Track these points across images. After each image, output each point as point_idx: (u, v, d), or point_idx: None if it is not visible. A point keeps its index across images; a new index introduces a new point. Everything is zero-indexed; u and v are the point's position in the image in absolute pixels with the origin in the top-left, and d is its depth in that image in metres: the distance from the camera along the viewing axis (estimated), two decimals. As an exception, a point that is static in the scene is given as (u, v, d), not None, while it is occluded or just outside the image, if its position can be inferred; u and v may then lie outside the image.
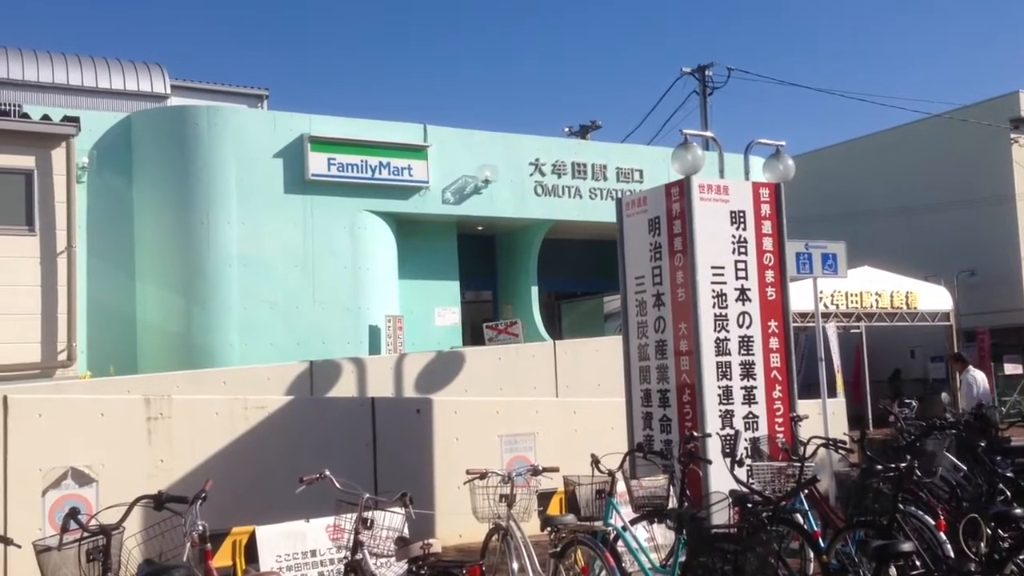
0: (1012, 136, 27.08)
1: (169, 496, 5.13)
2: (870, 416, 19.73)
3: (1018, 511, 5.58)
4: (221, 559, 6.18)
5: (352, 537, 5.69)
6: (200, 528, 5.16)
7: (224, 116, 16.72)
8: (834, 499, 8.50)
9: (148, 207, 16.29)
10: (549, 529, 6.39)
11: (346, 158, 17.27)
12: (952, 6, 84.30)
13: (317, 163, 16.97)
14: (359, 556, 5.63)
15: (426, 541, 5.26)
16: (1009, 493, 6.69)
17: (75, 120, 14.71)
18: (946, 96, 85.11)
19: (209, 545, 5.19)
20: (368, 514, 5.76)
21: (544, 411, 11.38)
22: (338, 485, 5.84)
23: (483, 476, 6.75)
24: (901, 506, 6.26)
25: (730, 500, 6.13)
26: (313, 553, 6.65)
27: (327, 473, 5.91)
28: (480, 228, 19.78)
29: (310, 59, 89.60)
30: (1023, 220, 26.83)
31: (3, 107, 15.16)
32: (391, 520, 5.84)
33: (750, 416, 8.66)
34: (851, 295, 20.40)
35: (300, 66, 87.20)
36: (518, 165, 18.93)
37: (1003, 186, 27.05)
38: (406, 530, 6.11)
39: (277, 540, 6.56)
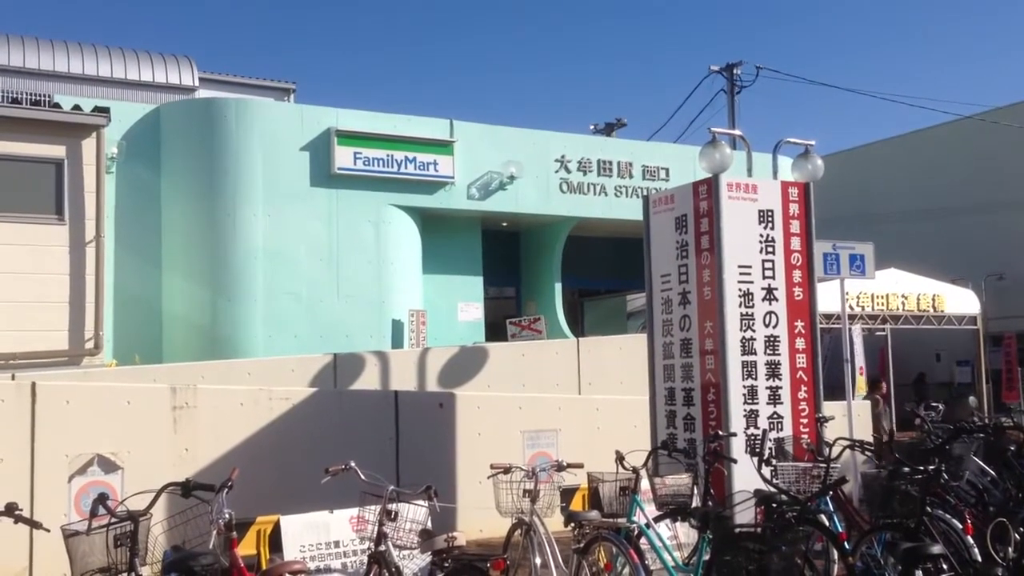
0: (1042, 138, 26.73)
1: (197, 484, 5.17)
2: (894, 419, 19.52)
3: (1049, 516, 5.51)
4: (245, 548, 6.22)
5: (376, 529, 5.71)
6: (227, 516, 5.19)
7: (252, 109, 16.81)
8: (857, 501, 8.43)
9: (175, 198, 16.41)
10: (573, 525, 6.38)
11: (372, 152, 17.31)
12: (983, 7, 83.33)
13: (343, 157, 17.02)
14: (383, 548, 5.65)
15: (451, 534, 5.28)
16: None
17: (106, 111, 14.82)
18: (975, 98, 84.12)
19: (235, 533, 5.22)
20: (392, 506, 5.78)
21: (567, 408, 11.37)
22: (363, 477, 5.87)
23: (507, 471, 6.75)
24: (928, 509, 6.20)
25: (755, 500, 6.11)
26: (336, 544, 6.68)
27: (352, 465, 5.93)
28: (504, 224, 19.77)
29: (337, 56, 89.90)
30: (1052, 224, 26.50)
31: (34, 97, 15.31)
32: (415, 513, 5.86)
33: (775, 416, 8.61)
34: (877, 297, 20.19)
35: (327, 62, 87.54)
36: (544, 162, 18.90)
37: (1033, 188, 26.72)
38: (429, 523, 6.13)
39: (301, 530, 6.59)
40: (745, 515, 6.35)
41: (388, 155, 17.42)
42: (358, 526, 6.06)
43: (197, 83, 22.01)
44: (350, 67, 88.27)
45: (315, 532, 6.58)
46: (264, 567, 6.40)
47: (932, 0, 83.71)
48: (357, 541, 6.51)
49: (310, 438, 9.46)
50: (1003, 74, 78.69)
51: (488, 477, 6.88)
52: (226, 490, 5.35)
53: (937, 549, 4.76)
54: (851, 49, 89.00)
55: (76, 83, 19.22)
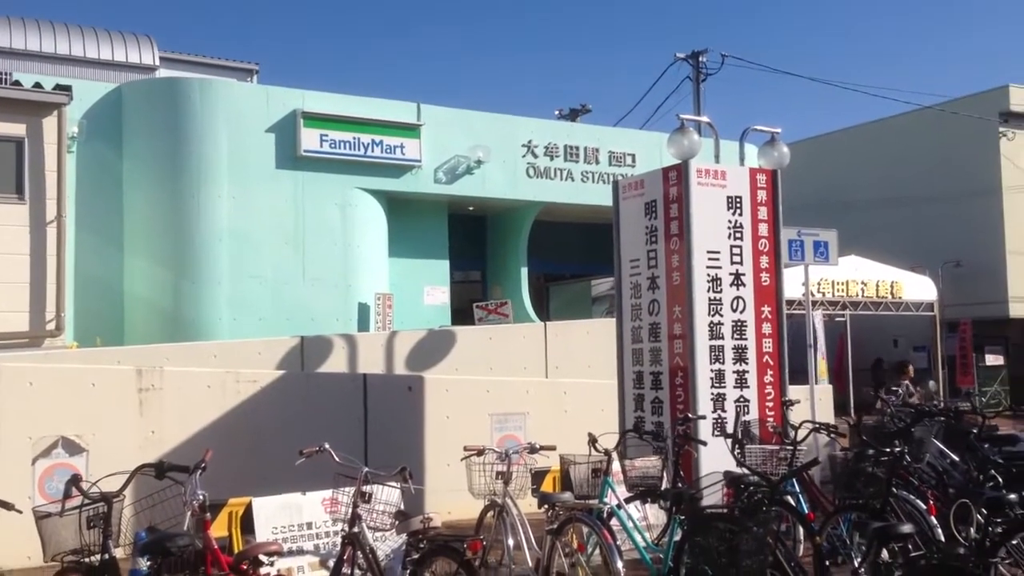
0: (1000, 130, 27.22)
1: (171, 465, 5.13)
2: (852, 403, 19.87)
3: (1011, 497, 5.65)
4: (217, 530, 6.18)
5: (351, 510, 5.70)
6: (200, 497, 5.16)
7: (217, 89, 16.58)
8: (820, 482, 8.59)
9: (138, 178, 16.14)
10: (546, 507, 6.43)
11: (339, 135, 17.16)
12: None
13: (309, 139, 16.85)
14: (356, 529, 5.65)
15: (427, 515, 5.29)
16: (1000, 480, 6.76)
17: (67, 89, 14.53)
18: (937, 89, 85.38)
19: (208, 515, 5.19)
20: (367, 488, 5.77)
21: (535, 391, 11.42)
22: (337, 459, 5.86)
23: (480, 453, 6.78)
24: (894, 490, 6.34)
25: (723, 481, 6.20)
26: (309, 525, 6.66)
27: (327, 446, 5.92)
28: (471, 208, 19.74)
29: (302, 41, 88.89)
30: (1008, 213, 27.01)
31: (-6, 74, 14.97)
32: (388, 494, 5.87)
33: (741, 400, 8.73)
34: (837, 283, 20.48)
35: (291, 46, 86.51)
36: (511, 146, 18.88)
37: (990, 179, 27.20)
38: (402, 505, 6.14)
39: (273, 512, 6.56)
40: (713, 497, 6.44)
41: (355, 138, 17.28)
42: (331, 508, 6.05)
43: (158, 62, 21.66)
44: (313, 51, 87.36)
45: (287, 514, 6.56)
46: (237, 549, 6.37)
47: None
48: (330, 523, 6.50)
49: (279, 421, 9.41)
50: (963, 64, 79.89)
51: (461, 459, 6.90)
52: (200, 471, 5.31)
53: (907, 528, 4.87)
54: (818, 37, 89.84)
55: (34, 60, 18.82)
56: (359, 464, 5.81)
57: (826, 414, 12.84)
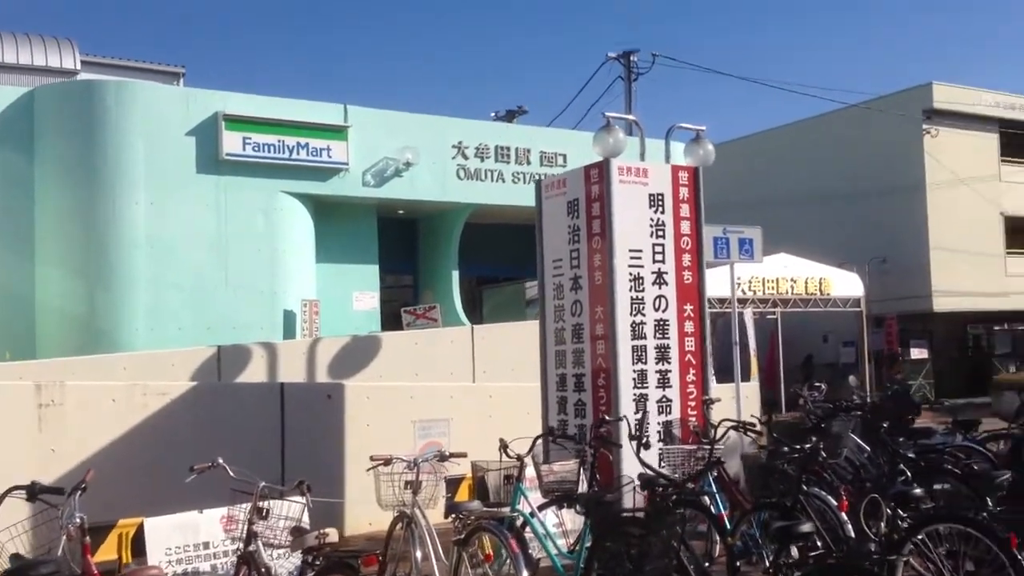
0: (924, 127, 27.81)
1: (43, 487, 4.83)
2: (783, 400, 20.07)
3: (917, 491, 5.64)
4: (106, 553, 5.88)
5: (246, 527, 5.45)
6: (78, 520, 4.86)
7: (133, 92, 16.10)
8: (744, 482, 8.55)
9: (50, 185, 15.60)
10: (453, 516, 6.24)
11: (262, 138, 16.80)
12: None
13: (231, 142, 16.46)
14: (252, 547, 5.40)
15: (322, 531, 5.07)
16: (909, 474, 6.78)
17: (-27, 93, 13.98)
18: (864, 87, 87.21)
19: (88, 539, 4.90)
20: (264, 503, 5.53)
21: (460, 396, 11.23)
22: (232, 473, 5.60)
23: (388, 462, 6.57)
24: (805, 487, 6.30)
25: (636, 484, 6.08)
26: (206, 545, 6.38)
27: (220, 461, 5.66)
28: (401, 211, 19.49)
29: (232, 45, 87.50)
30: (932, 210, 27.62)
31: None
32: (289, 509, 5.62)
33: (664, 400, 8.64)
34: (768, 281, 20.69)
35: (219, 50, 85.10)
36: (440, 148, 18.68)
37: (915, 176, 27.78)
38: (307, 519, 5.90)
39: (168, 532, 6.26)
40: (631, 499, 6.33)
41: (279, 140, 16.93)
42: (228, 525, 5.79)
43: (79, 66, 21.06)
44: (243, 55, 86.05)
45: (183, 534, 6.27)
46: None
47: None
48: (228, 541, 6.23)
49: (189, 435, 9.07)
50: (888, 62, 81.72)
51: (367, 470, 6.68)
52: (79, 493, 5.02)
53: (807, 527, 4.80)
54: (749, 38, 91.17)
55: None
56: (255, 479, 5.56)
57: (752, 412, 12.88)
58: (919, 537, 5.39)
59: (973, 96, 29.07)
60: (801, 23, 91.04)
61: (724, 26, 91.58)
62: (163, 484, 8.22)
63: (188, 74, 24.45)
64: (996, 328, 31.39)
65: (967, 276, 27.49)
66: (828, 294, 21.55)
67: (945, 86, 28.47)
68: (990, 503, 5.87)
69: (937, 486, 6.98)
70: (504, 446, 6.59)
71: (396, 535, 6.59)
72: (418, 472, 6.42)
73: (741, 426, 7.99)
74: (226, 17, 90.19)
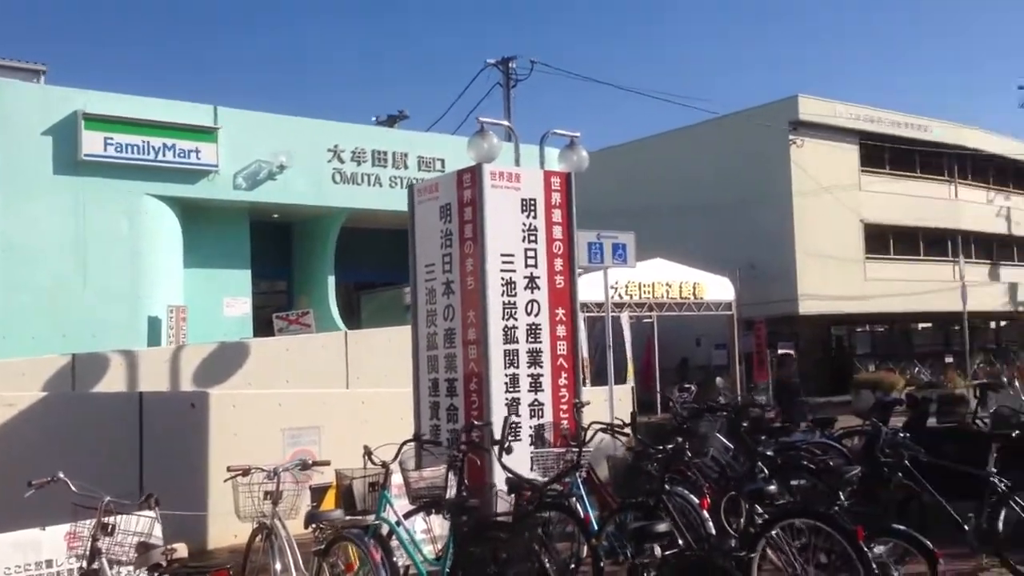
0: (791, 138, 28.97)
1: None
2: (659, 402, 20.53)
3: (772, 488, 5.79)
4: (-68, 576, 5.45)
5: (89, 544, 5.15)
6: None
7: (-17, 88, 15.20)
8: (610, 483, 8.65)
9: None
10: (314, 526, 6.06)
11: (126, 138, 16.10)
12: (746, 15, 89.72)
13: (92, 143, 15.73)
14: (96, 565, 5.10)
15: (170, 546, 4.83)
16: (767, 471, 6.97)
17: None
18: (736, 98, 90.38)
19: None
20: (110, 519, 5.23)
21: (331, 403, 10.99)
22: (73, 488, 5.29)
23: (246, 473, 6.33)
24: (668, 487, 6.39)
25: (497, 489, 6.05)
26: (49, 564, 5.99)
27: (60, 475, 5.33)
28: (275, 215, 19.03)
29: (96, 42, 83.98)
30: (798, 217, 28.79)
31: None
32: (137, 524, 5.34)
33: (536, 404, 8.65)
34: (644, 286, 21.14)
35: (84, 49, 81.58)
36: (316, 151, 18.31)
37: (782, 185, 28.91)
38: (158, 534, 5.61)
39: (6, 551, 5.85)
40: (504, 504, 6.29)
41: (144, 141, 16.26)
42: (72, 543, 5.46)
43: (-75, 63, 19.81)
44: (109, 54, 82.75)
45: (23, 552, 5.87)
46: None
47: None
48: (73, 559, 5.88)
49: (37, 448, 8.55)
50: (758, 74, 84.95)
51: (224, 480, 6.43)
52: None
53: (664, 527, 4.85)
54: (632, 48, 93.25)
55: None
56: (99, 493, 5.25)
57: (626, 415, 13.06)
58: (773, 532, 5.53)
59: (835, 109, 30.50)
60: (681, 34, 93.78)
61: (610, 36, 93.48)
62: (5, 501, 7.73)
63: (51, 72, 23.33)
64: (858, 330, 32.99)
65: (830, 280, 28.77)
66: (702, 298, 22.18)
67: (810, 99, 29.75)
68: (842, 497, 6.08)
69: (794, 482, 7.22)
70: (368, 453, 6.44)
71: (256, 547, 6.36)
72: (278, 482, 6.20)
73: (610, 428, 8.08)
74: (93, 15, 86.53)
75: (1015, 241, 37.53)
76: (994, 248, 36.71)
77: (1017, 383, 10.25)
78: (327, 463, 6.63)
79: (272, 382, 11.90)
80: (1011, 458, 7.31)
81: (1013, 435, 7.47)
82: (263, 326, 18.09)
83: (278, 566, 5.89)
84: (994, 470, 6.98)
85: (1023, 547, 6.76)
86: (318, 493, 7.41)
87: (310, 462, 6.44)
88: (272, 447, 9.77)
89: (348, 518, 6.13)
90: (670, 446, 6.41)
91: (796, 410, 11.23)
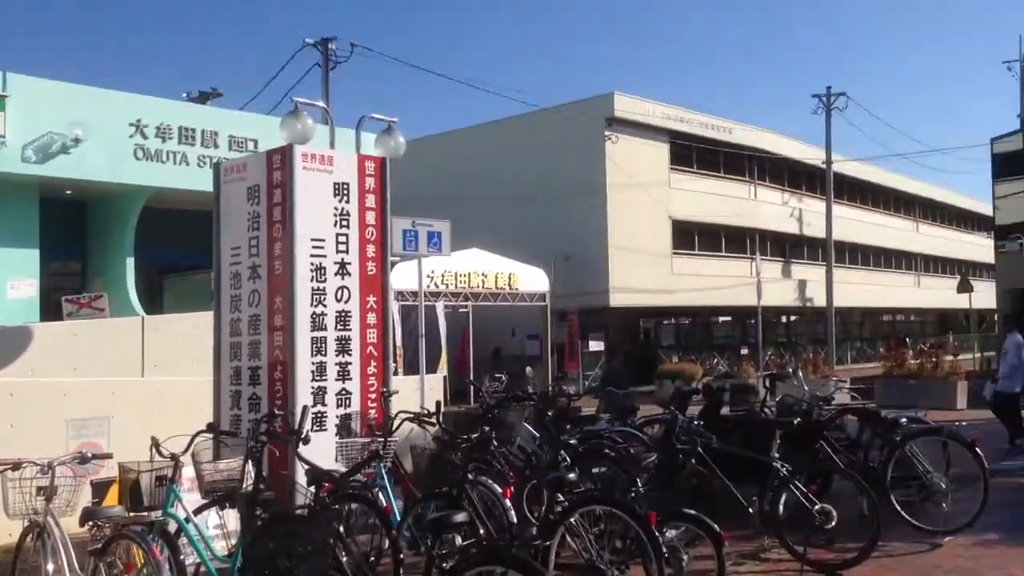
0: (606, 133, 29.87)
1: None
2: (472, 391, 20.65)
3: (571, 476, 5.88)
4: None
5: None
6: None
7: None
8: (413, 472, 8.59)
9: None
10: (90, 524, 5.65)
11: None
12: (571, 8, 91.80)
13: None
14: None
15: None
16: (569, 459, 7.09)
17: None
18: (556, 93, 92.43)
19: None
20: None
21: (122, 392, 10.34)
22: None
23: (16, 467, 5.82)
24: (471, 476, 6.38)
25: (295, 482, 5.85)
26: None
27: None
28: (69, 192, 17.69)
29: None
30: (611, 210, 29.75)
31: None
32: None
33: (343, 392, 8.49)
34: (460, 275, 21.17)
35: None
36: (117, 125, 17.10)
37: (597, 179, 29.77)
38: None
39: None
40: (302, 497, 6.08)
41: (-86, 106, 14.70)
42: None
43: None
44: None
45: None
46: None
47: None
48: None
49: None
50: (577, 71, 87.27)
51: (-8, 476, 5.88)
52: None
53: (462, 517, 4.82)
54: (459, 36, 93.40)
55: None
56: None
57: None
58: (572, 519, 5.61)
59: (648, 108, 31.70)
60: (505, 28, 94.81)
61: (441, 24, 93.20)
62: None
63: None
64: (664, 322, 34.50)
65: (640, 274, 29.92)
66: (517, 289, 22.47)
67: (625, 96, 30.77)
68: (639, 483, 6.26)
69: (596, 470, 7.40)
70: (156, 444, 6.07)
71: (27, 547, 5.87)
72: (53, 476, 5.73)
73: (417, 418, 8.01)
74: None
75: (806, 241, 40.36)
76: (787, 247, 39.35)
77: (801, 373, 10.94)
78: (109, 456, 6.21)
79: (58, 370, 11.05)
80: (793, 444, 7.77)
81: (795, 423, 7.94)
82: (53, 309, 16.79)
83: (50, 567, 5.46)
84: (776, 456, 7.39)
85: (801, 528, 7.20)
86: (101, 488, 6.93)
87: (90, 455, 5.98)
88: (55, 440, 9.08)
89: (130, 515, 5.74)
90: (475, 435, 6.39)
91: (625, 400, 11.52)
